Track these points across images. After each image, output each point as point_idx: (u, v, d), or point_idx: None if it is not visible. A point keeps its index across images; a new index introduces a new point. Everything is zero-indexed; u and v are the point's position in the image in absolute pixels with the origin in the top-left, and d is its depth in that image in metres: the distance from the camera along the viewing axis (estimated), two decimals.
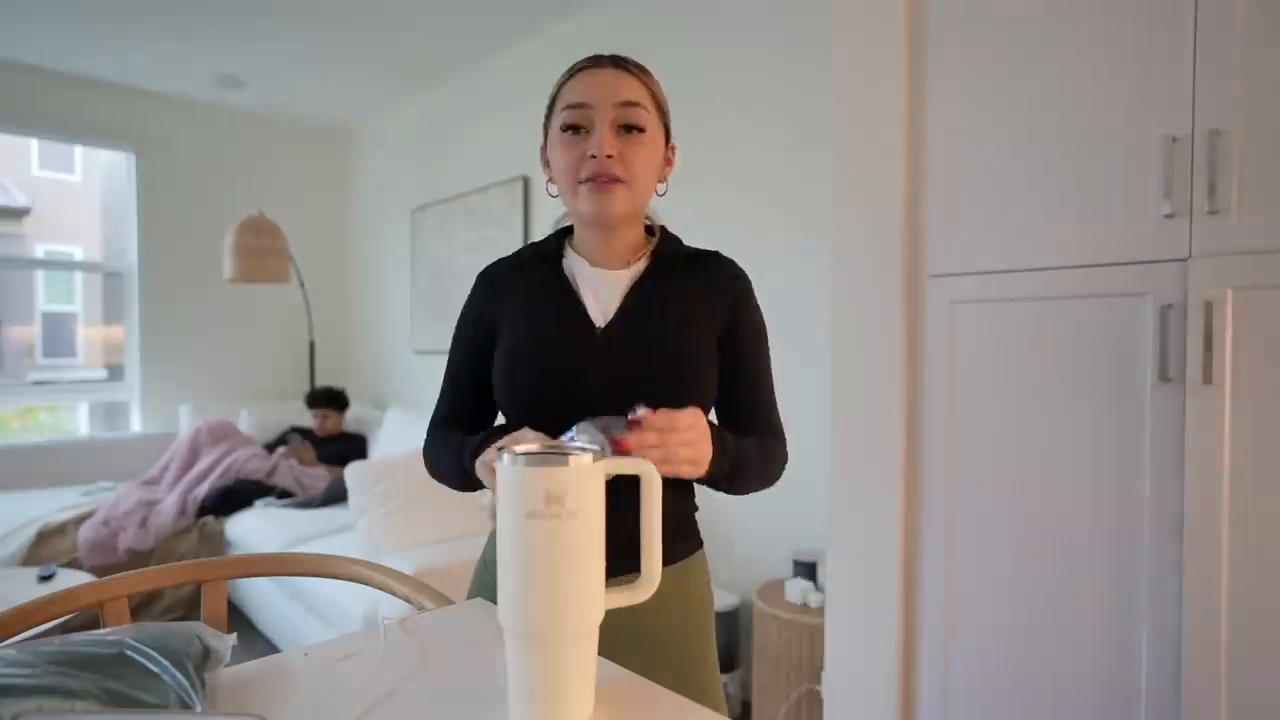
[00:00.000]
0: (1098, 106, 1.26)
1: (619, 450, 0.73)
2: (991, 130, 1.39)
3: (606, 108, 0.86)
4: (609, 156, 0.85)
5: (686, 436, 0.76)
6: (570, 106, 0.87)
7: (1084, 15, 1.27)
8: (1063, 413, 1.31)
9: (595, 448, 0.72)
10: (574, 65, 0.91)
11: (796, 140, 2.28)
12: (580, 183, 0.87)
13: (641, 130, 0.87)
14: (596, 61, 0.89)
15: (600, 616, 0.61)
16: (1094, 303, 1.27)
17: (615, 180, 0.86)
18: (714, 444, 0.81)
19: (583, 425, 0.77)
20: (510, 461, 0.58)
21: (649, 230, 0.99)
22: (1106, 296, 1.25)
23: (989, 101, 1.39)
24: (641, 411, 0.75)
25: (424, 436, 1.01)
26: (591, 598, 0.60)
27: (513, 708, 0.60)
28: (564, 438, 0.77)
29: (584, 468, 0.58)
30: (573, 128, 0.87)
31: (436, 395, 1.02)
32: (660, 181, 0.94)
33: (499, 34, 3.30)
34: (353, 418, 4.10)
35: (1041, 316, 1.33)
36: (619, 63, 0.89)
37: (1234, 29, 1.12)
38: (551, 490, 0.57)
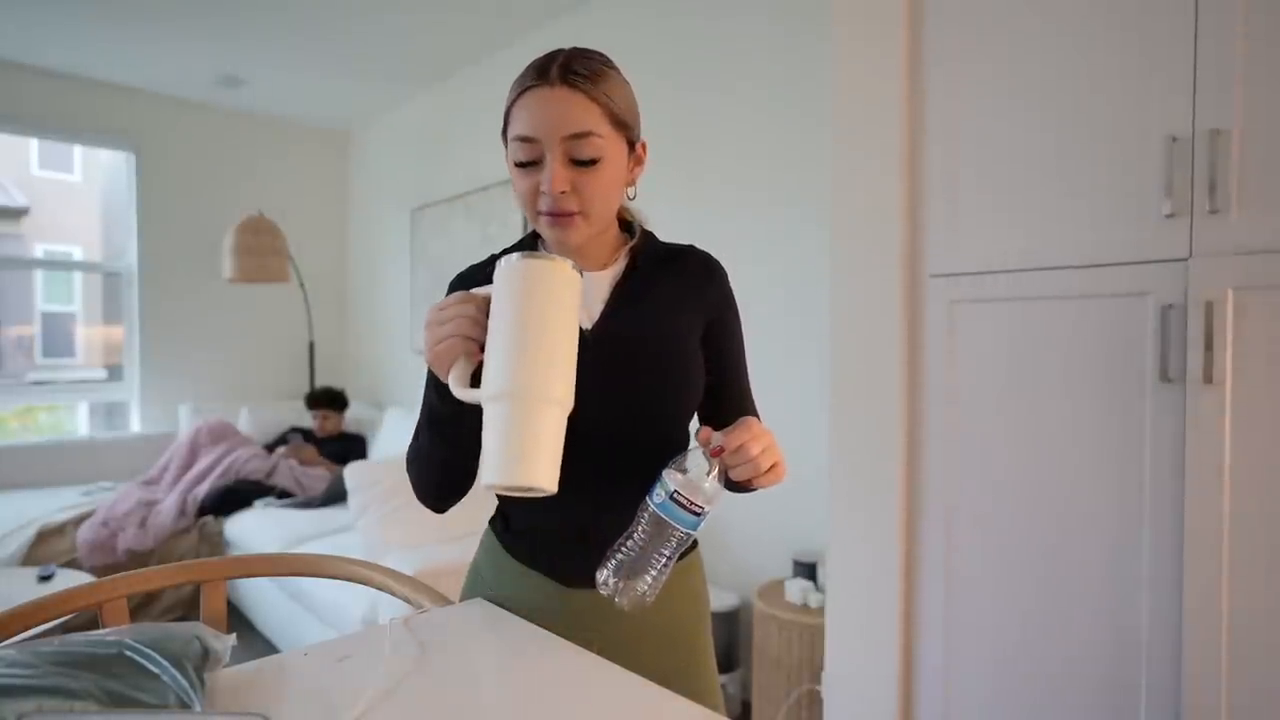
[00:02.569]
0: (1098, 106, 1.26)
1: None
2: (991, 130, 1.39)
3: (555, 141, 0.80)
4: (561, 192, 0.81)
5: (765, 441, 0.75)
6: (519, 139, 0.82)
7: (1084, 15, 1.27)
8: (1063, 413, 1.31)
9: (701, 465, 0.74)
10: (521, 81, 0.84)
11: (796, 140, 2.28)
12: (539, 214, 0.84)
13: (594, 161, 0.82)
14: (543, 77, 0.81)
15: (571, 396, 0.68)
16: (1094, 303, 1.27)
17: (571, 214, 0.83)
18: None
19: (671, 471, 0.74)
20: (507, 261, 0.68)
21: (627, 227, 0.97)
22: (1106, 296, 1.25)
23: (989, 101, 1.39)
24: (714, 437, 0.74)
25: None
26: (567, 367, 0.68)
27: (484, 466, 0.67)
28: (655, 490, 0.74)
29: (565, 269, 0.69)
30: (524, 156, 0.83)
31: None
32: (630, 185, 0.91)
33: (499, 34, 3.30)
34: (353, 418, 4.09)
35: (1041, 316, 1.33)
36: (568, 79, 0.81)
37: (1234, 29, 1.12)
38: (540, 279, 0.67)
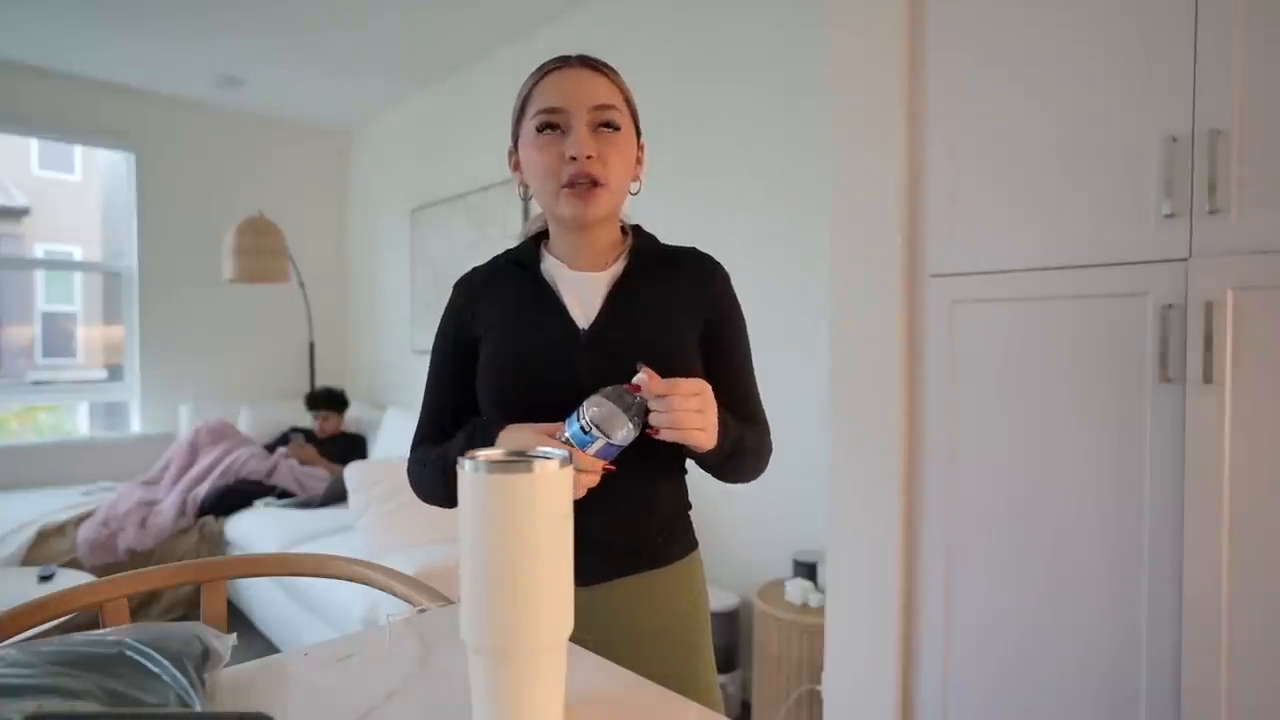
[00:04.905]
0: (1098, 106, 1.26)
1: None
2: (991, 130, 1.39)
3: (581, 111, 0.85)
4: (588, 157, 0.84)
5: (693, 403, 0.77)
6: (544, 111, 0.86)
7: (1084, 15, 1.27)
8: (1063, 413, 1.31)
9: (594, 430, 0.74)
10: (542, 67, 0.89)
11: (795, 139, 2.28)
12: (561, 187, 0.86)
13: (617, 128, 0.87)
14: (565, 61, 0.88)
15: (569, 630, 0.57)
16: (1094, 303, 1.27)
17: (594, 184, 0.85)
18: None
19: (592, 399, 0.77)
20: (472, 468, 0.54)
21: (623, 229, 0.98)
22: (1106, 296, 1.25)
23: (989, 101, 1.39)
24: (641, 375, 0.77)
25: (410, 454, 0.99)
26: (558, 610, 0.56)
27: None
28: (572, 416, 0.77)
29: (549, 474, 0.55)
30: (548, 128, 0.86)
31: None
32: (634, 180, 0.94)
33: (499, 34, 3.30)
34: (353, 418, 4.09)
35: (1041, 316, 1.33)
36: (588, 62, 0.88)
37: (1234, 29, 1.12)
38: (515, 498, 0.54)
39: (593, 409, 0.76)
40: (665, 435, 0.77)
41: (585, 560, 0.77)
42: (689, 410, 0.77)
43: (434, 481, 0.92)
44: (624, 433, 0.76)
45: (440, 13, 3.09)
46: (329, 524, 3.07)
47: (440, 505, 0.94)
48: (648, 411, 0.77)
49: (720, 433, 0.82)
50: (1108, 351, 1.26)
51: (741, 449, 0.89)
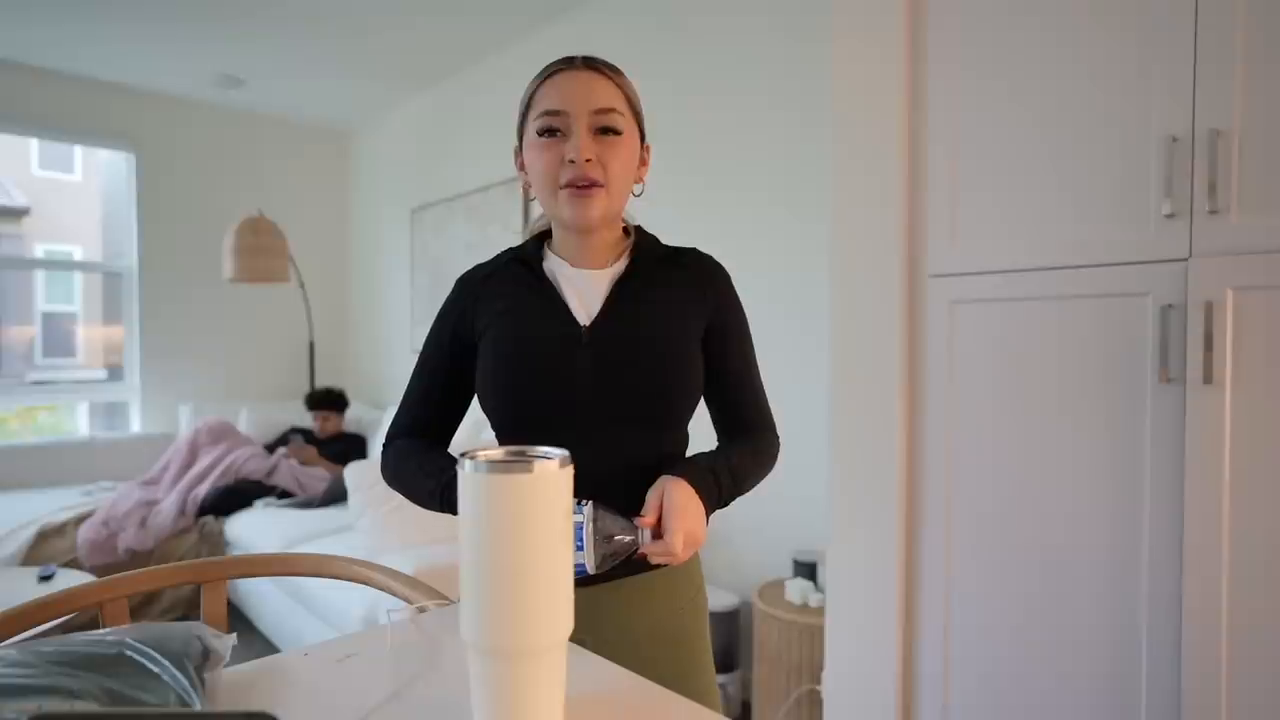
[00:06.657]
0: (1098, 106, 1.26)
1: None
2: (992, 130, 1.39)
3: (583, 114, 0.85)
4: (587, 161, 0.85)
5: (682, 545, 0.78)
6: (546, 114, 0.86)
7: (1084, 15, 1.27)
8: (1063, 413, 1.31)
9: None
10: (546, 68, 0.89)
11: (796, 140, 2.28)
12: (560, 188, 0.86)
13: (619, 133, 0.87)
14: (569, 63, 0.88)
15: (569, 630, 0.58)
16: (1094, 303, 1.27)
17: (594, 185, 0.86)
18: (703, 494, 0.84)
19: (598, 509, 0.77)
20: (472, 468, 0.55)
21: (624, 230, 0.99)
22: (1106, 296, 1.25)
23: (989, 101, 1.39)
24: (642, 537, 0.77)
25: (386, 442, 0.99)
26: (559, 610, 0.56)
27: None
28: (581, 502, 0.76)
29: (549, 474, 0.55)
30: (549, 131, 0.86)
31: None
32: (637, 182, 0.94)
33: (499, 34, 3.30)
34: (352, 418, 4.09)
35: (1041, 316, 1.33)
36: (591, 64, 0.88)
37: (1234, 29, 1.12)
38: (515, 497, 0.54)
39: (591, 521, 0.75)
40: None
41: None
42: (685, 547, 0.78)
43: (416, 490, 0.91)
44: (582, 554, 0.74)
45: (440, 14, 3.09)
46: (329, 524, 3.07)
47: (409, 499, 0.94)
48: (626, 556, 0.78)
49: (709, 507, 0.85)
50: (1108, 351, 1.26)
51: (734, 493, 0.90)
